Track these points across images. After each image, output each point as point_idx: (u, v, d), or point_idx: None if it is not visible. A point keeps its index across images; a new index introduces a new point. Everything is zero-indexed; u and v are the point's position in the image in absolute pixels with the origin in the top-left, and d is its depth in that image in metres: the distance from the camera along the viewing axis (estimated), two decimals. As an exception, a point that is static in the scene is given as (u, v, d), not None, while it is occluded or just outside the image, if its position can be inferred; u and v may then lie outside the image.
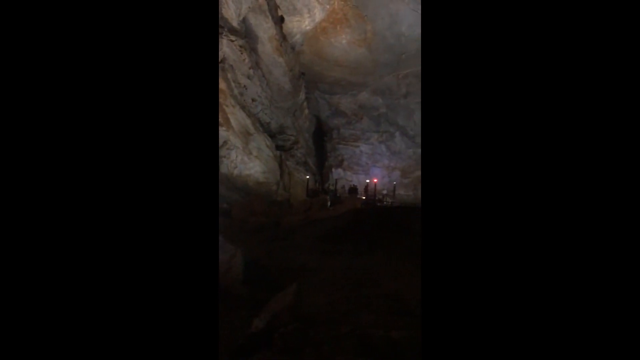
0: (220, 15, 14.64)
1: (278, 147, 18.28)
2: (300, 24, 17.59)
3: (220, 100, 14.99)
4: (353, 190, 20.12)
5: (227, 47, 15.37)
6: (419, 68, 18.03)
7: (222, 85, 15.09)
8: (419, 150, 21.04)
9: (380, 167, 21.96)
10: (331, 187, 20.66)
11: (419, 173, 21.20)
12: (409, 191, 21.28)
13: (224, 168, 16.06)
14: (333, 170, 22.44)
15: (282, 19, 17.33)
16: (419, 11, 15.70)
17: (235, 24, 15.43)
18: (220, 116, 14.95)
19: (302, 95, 20.46)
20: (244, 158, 16.52)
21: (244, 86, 16.74)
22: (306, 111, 21.24)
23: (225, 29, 15.15)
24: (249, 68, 16.50)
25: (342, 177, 22.14)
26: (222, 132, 15.52)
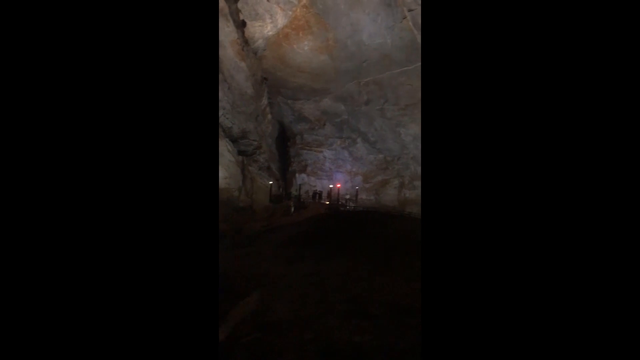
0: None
1: (240, 152, 17.96)
2: (263, 29, 17.50)
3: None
4: (317, 195, 20.23)
5: (186, 50, 14.89)
6: (379, 76, 18.59)
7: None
8: (380, 156, 21.63)
9: (343, 172, 22.29)
10: (295, 193, 20.63)
11: (380, 178, 21.77)
12: (371, 195, 21.77)
13: (183, 174, 15.44)
14: (297, 175, 22.44)
15: (243, 24, 17.14)
16: (379, 21, 16.23)
17: (194, 26, 15.01)
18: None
19: (264, 100, 20.31)
20: (205, 164, 16.01)
21: (204, 90, 16.30)
22: (269, 116, 21.10)
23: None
24: (210, 71, 16.10)
25: (306, 182, 22.18)
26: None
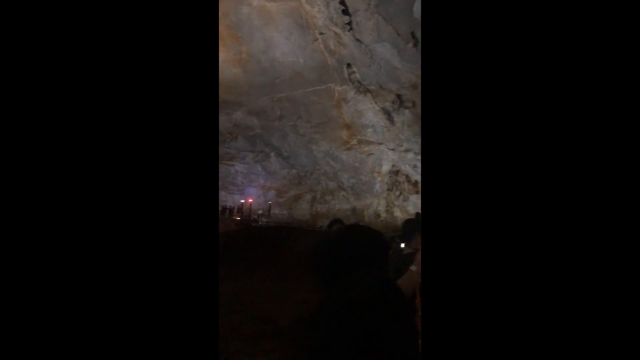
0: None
1: (141, 165, 16.33)
2: (170, 35, 16.48)
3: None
4: (227, 210, 19.44)
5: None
6: (292, 93, 19.01)
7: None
8: (294, 171, 21.91)
9: (256, 186, 21.90)
10: (203, 209, 19.48)
11: (293, 192, 21.99)
12: (284, 210, 21.79)
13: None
14: (206, 190, 21.26)
15: (148, 26, 15.93)
16: (292, 40, 16.70)
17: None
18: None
19: (171, 110, 18.97)
20: (96, 176, 14.10)
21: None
22: (176, 127, 19.74)
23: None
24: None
25: (216, 198, 21.15)
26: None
